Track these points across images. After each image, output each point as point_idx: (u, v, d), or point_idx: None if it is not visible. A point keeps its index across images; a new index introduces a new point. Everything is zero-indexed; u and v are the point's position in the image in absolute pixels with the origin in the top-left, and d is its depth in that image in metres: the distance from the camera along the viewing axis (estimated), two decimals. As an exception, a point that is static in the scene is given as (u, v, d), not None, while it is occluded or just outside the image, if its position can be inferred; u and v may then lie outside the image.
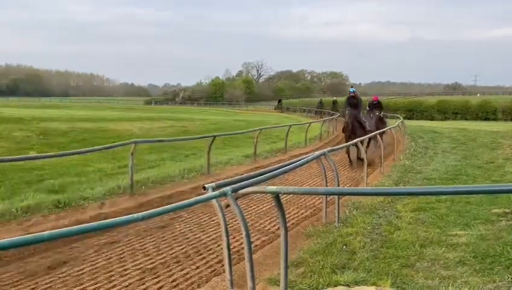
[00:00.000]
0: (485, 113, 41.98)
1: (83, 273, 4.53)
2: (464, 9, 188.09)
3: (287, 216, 4.61)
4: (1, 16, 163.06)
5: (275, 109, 48.80)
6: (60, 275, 4.47)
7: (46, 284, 4.27)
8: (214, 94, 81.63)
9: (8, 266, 4.69)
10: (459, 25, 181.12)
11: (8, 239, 2.21)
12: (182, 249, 5.29)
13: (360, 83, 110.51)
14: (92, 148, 8.79)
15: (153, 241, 5.54)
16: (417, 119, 41.08)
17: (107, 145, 8.77)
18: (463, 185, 7.18)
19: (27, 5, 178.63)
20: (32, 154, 10.42)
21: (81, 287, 4.23)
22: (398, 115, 26.46)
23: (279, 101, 51.39)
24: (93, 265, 4.76)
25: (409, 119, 37.41)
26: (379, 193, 5.80)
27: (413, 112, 45.37)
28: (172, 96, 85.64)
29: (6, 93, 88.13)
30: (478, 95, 59.90)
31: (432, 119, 42.05)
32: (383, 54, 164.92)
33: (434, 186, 7.53)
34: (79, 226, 2.84)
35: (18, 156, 8.25)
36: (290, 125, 16.73)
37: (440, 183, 8.76)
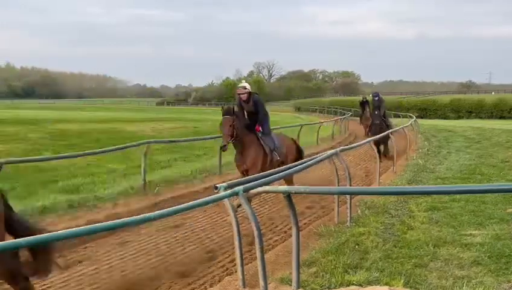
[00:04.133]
0: (500, 111, 41.30)
1: (97, 273, 4.59)
2: (478, 5, 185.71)
3: (298, 216, 4.60)
4: (16, 19, 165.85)
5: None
6: (75, 274, 4.53)
7: (61, 282, 4.34)
8: (226, 95, 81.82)
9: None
10: (473, 22, 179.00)
11: (25, 238, 2.26)
12: (194, 248, 5.33)
13: (372, 82, 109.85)
14: (105, 149, 8.89)
15: (165, 241, 5.59)
16: (430, 118, 40.64)
17: (120, 146, 8.87)
18: (477, 184, 7.10)
19: (41, 7, 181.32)
20: (47, 155, 10.57)
21: (96, 285, 4.29)
22: (411, 114, 26.23)
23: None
24: (108, 264, 4.81)
25: (421, 118, 37.01)
26: (392, 192, 5.78)
27: (426, 111, 44.86)
28: (184, 97, 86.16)
29: (21, 96, 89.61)
30: (493, 93, 59.02)
31: (446, 118, 41.55)
32: (395, 52, 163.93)
33: (448, 185, 7.46)
34: (93, 225, 2.88)
35: (33, 157, 8.39)
36: (301, 125, 16.70)
37: (454, 182, 8.66)
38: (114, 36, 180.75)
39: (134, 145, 8.69)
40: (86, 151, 8.74)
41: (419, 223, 5.82)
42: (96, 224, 2.97)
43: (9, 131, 15.72)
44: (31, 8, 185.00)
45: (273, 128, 16.05)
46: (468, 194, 6.76)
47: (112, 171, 9.75)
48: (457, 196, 6.85)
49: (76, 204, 6.99)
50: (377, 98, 13.62)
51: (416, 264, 4.39)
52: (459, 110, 43.61)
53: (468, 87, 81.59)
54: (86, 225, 5.07)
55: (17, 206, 6.57)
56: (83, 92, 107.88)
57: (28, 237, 2.36)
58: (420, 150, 13.86)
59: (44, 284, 4.30)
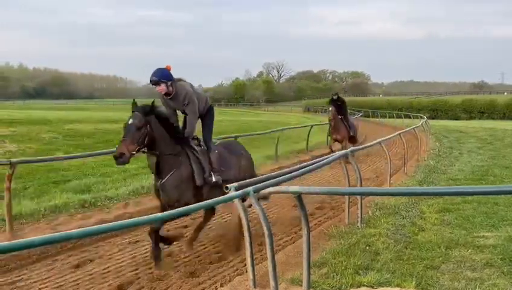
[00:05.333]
0: (513, 112, 40.80)
1: (108, 272, 4.62)
2: (489, 5, 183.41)
3: (308, 216, 4.59)
4: (28, 20, 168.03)
5: None
6: (87, 273, 4.57)
7: (73, 281, 4.38)
8: (235, 95, 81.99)
9: (37, 264, 4.83)
10: (484, 22, 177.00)
11: (39, 237, 2.29)
12: (205, 248, 5.34)
13: (382, 83, 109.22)
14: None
15: (176, 241, 5.60)
16: (442, 119, 40.28)
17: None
18: (490, 186, 7.01)
19: (52, 9, 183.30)
20: (59, 155, 10.68)
21: (107, 283, 4.32)
22: (422, 115, 26.03)
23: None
24: (119, 263, 4.85)
25: (433, 119, 36.72)
26: (403, 193, 5.73)
27: (437, 111, 44.51)
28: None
29: (33, 96, 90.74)
30: (505, 93, 58.30)
31: (457, 118, 41.17)
32: (405, 52, 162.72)
33: (459, 186, 7.39)
34: (105, 225, 2.91)
35: (46, 157, 8.48)
36: (312, 126, 16.66)
37: (466, 183, 8.57)
38: (124, 37, 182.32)
39: (145, 146, 8.72)
40: (97, 151, 8.81)
41: (431, 225, 5.77)
42: (108, 223, 3.00)
43: (22, 131, 15.91)
44: (43, 9, 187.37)
45: (287, 128, 16.08)
46: (481, 196, 6.68)
47: (122, 171, 9.82)
48: (470, 198, 6.78)
49: (88, 204, 7.05)
50: (187, 105, 5.04)
51: (427, 266, 4.36)
52: (471, 111, 43.19)
53: (480, 87, 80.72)
54: (98, 224, 5.13)
55: (30, 205, 6.70)
56: (94, 92, 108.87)
57: (40, 237, 2.38)
58: (431, 151, 13.74)
59: (56, 283, 4.35)
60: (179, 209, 3.34)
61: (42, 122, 19.51)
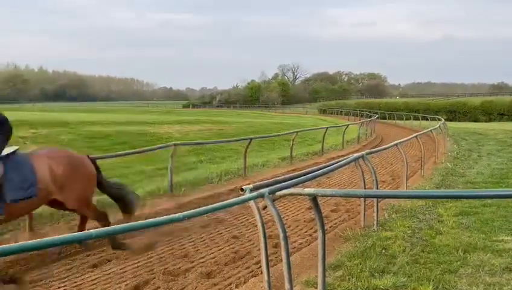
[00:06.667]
0: (534, 114, 39.93)
1: (125, 272, 4.68)
2: (509, 5, 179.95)
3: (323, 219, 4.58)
4: (49, 24, 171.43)
5: None
6: (104, 273, 4.64)
7: (91, 280, 4.45)
8: (250, 97, 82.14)
9: (56, 263, 4.92)
10: (504, 22, 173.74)
11: (59, 237, 2.34)
12: (220, 249, 5.37)
13: (399, 84, 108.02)
14: (133, 150, 9.07)
15: (191, 242, 5.65)
16: (460, 121, 39.65)
17: (147, 147, 9.03)
18: (510, 189, 6.89)
19: (73, 13, 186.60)
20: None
21: (125, 283, 4.38)
22: (439, 117, 25.69)
23: None
24: (135, 264, 4.90)
25: (451, 121, 36.18)
26: (419, 196, 5.68)
27: (455, 113, 43.83)
28: (209, 100, 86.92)
29: (52, 98, 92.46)
30: (526, 95, 57.11)
31: (476, 120, 40.46)
32: (423, 53, 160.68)
33: (478, 189, 7.27)
34: (122, 225, 2.95)
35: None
36: (327, 128, 16.59)
37: (485, 187, 8.43)
38: (141, 40, 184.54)
39: (162, 147, 8.82)
40: (115, 153, 8.94)
41: (449, 228, 5.69)
42: (125, 224, 3.04)
43: (42, 133, 16.21)
44: (64, 13, 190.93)
45: (302, 130, 16.10)
46: (500, 199, 6.57)
47: (139, 173, 9.93)
48: (489, 201, 6.67)
49: (105, 205, 7.14)
50: None
51: (445, 270, 4.30)
52: (491, 113, 42.41)
53: (500, 88, 79.11)
54: (115, 225, 5.18)
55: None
56: (111, 94, 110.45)
57: (59, 236, 2.43)
58: (449, 154, 13.54)
59: (75, 282, 4.42)
60: (197, 210, 3.36)
61: (61, 124, 19.84)
